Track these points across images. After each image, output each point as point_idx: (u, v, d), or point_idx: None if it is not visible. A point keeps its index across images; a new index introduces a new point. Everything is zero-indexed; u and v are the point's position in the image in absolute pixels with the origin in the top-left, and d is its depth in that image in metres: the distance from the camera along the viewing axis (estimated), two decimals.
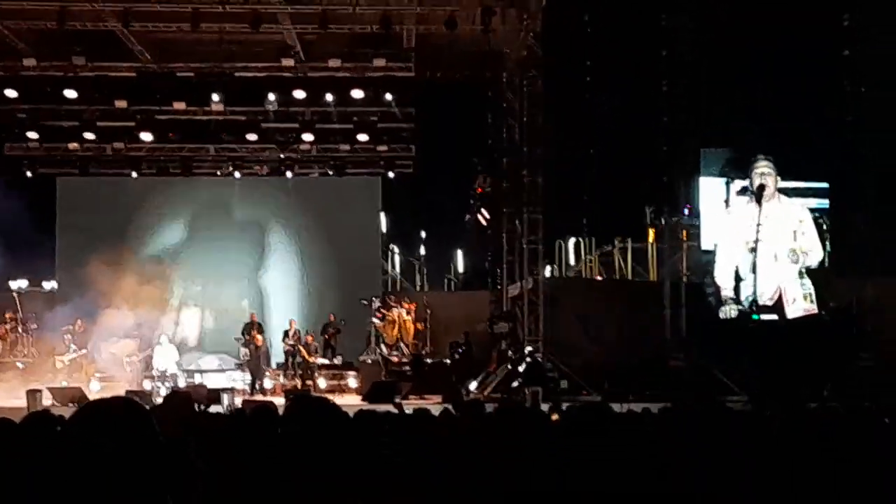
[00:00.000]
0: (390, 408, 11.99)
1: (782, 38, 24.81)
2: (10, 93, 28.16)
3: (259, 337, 26.94)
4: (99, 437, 3.29)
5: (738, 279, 19.91)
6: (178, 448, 4.11)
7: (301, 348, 26.73)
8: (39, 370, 26.40)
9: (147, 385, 25.10)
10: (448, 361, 26.33)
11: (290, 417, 4.01)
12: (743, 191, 23.31)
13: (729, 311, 19.90)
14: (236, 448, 6.34)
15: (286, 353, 27.20)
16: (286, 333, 27.43)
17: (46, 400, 22.11)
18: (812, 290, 23.51)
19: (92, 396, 23.56)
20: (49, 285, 31.02)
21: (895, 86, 24.66)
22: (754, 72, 25.19)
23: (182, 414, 7.25)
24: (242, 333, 27.44)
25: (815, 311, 23.46)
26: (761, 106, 25.08)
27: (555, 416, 9.31)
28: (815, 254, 20.28)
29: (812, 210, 23.85)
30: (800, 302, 20.46)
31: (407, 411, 11.53)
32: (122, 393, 23.40)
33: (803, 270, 21.48)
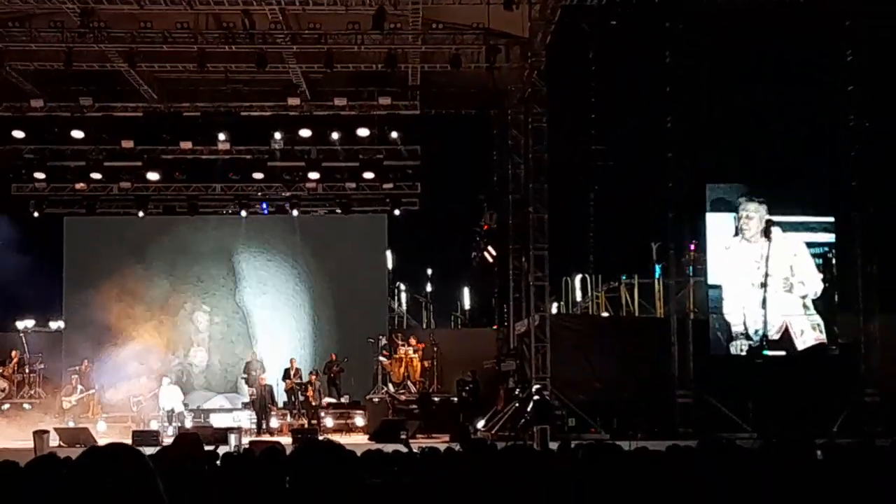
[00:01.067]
0: (399, 446, 11.96)
1: (788, 74, 24.92)
2: (18, 133, 28.36)
3: (263, 376, 26.91)
4: (101, 484, 3.31)
5: (745, 314, 19.97)
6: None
7: (308, 386, 26.67)
8: (46, 411, 26.39)
9: (154, 425, 25.05)
10: (455, 399, 26.26)
11: (298, 463, 4.01)
12: (742, 228, 23.47)
13: (739, 347, 19.91)
14: (246, 489, 6.33)
15: (287, 392, 27.15)
16: (286, 373, 27.39)
17: (53, 441, 22.06)
18: (821, 321, 23.59)
19: (99, 437, 23.55)
20: (55, 325, 31.04)
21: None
22: (760, 107, 25.26)
23: (192, 455, 7.26)
24: (245, 372, 27.46)
25: (825, 340, 23.53)
26: (766, 141, 25.15)
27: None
28: (811, 284, 20.32)
29: (818, 244, 24.04)
30: (808, 333, 20.52)
31: (415, 450, 11.50)
32: (129, 433, 23.41)
33: (808, 303, 21.53)
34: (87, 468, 3.38)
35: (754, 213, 23.07)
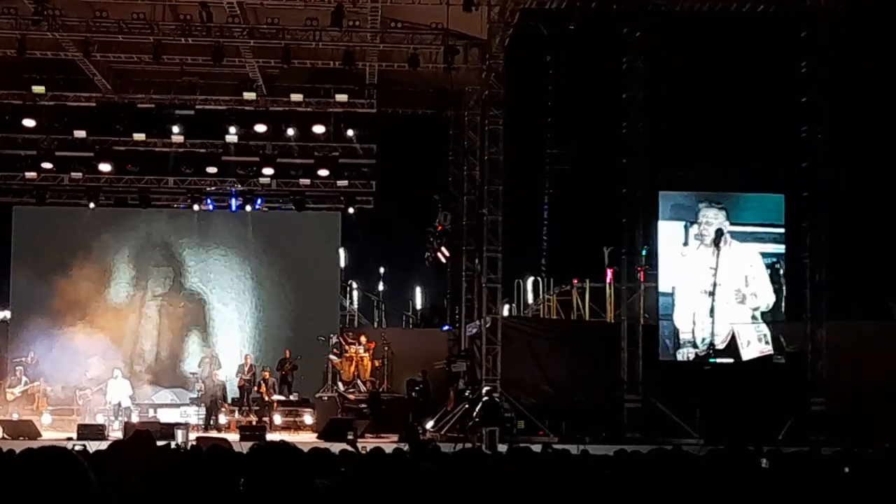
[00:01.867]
0: (346, 446, 11.92)
1: (744, 81, 25.14)
2: None
3: (217, 372, 26.72)
4: (36, 490, 3.28)
5: (694, 322, 20.10)
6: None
7: (262, 383, 26.53)
8: None
9: (100, 418, 24.79)
10: (405, 399, 26.23)
11: (252, 463, 3.97)
12: (697, 236, 23.64)
13: (686, 354, 20.04)
14: (194, 488, 6.26)
15: (240, 388, 26.97)
16: (241, 368, 27.23)
17: None
18: (767, 332, 23.82)
19: (43, 430, 23.29)
20: (1, 315, 30.65)
21: (851, 133, 25.05)
22: (713, 116, 25.46)
23: (144, 452, 7.17)
24: (199, 366, 27.25)
25: (771, 351, 23.77)
26: (719, 150, 25.34)
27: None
28: (763, 297, 20.55)
29: (768, 255, 24.27)
30: (755, 344, 20.72)
31: (360, 451, 11.46)
32: (74, 426, 23.17)
33: (756, 314, 21.76)
34: (26, 472, 3.33)
35: (713, 219, 23.28)
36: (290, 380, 27.37)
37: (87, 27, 24.50)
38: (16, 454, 3.44)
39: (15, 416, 24.29)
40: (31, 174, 29.65)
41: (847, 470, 7.02)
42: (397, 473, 7.23)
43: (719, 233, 22.30)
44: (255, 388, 26.60)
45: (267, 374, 26.90)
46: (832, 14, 23.83)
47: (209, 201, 31.33)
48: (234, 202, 31.27)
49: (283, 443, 6.75)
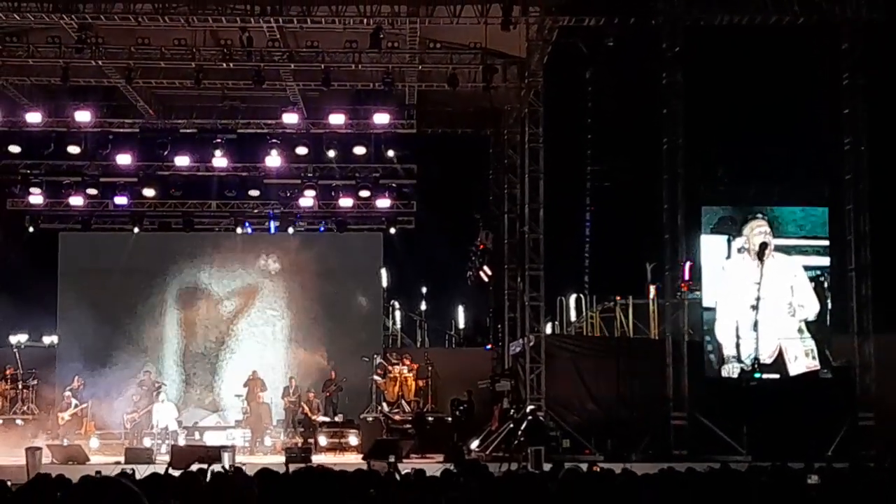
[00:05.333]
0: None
1: (783, 95, 24.98)
2: (14, 148, 28.27)
3: (260, 395, 26.85)
4: None
5: (738, 337, 19.92)
6: None
7: (304, 405, 26.63)
8: (40, 427, 26.31)
9: (147, 442, 24.97)
10: (450, 419, 26.19)
11: (294, 487, 4.00)
12: (740, 249, 23.47)
13: (731, 370, 19.88)
14: None
15: (286, 410, 27.09)
16: (286, 390, 27.34)
17: (46, 458, 21.98)
18: (814, 347, 23.57)
19: (91, 454, 23.47)
20: (49, 340, 30.96)
21: (894, 144, 24.82)
22: (754, 129, 25.33)
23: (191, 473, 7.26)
24: (244, 386, 27.39)
25: (818, 367, 23.53)
26: (761, 163, 25.19)
27: (596, 468, 9.34)
28: (810, 307, 20.35)
29: (813, 268, 24.05)
30: (801, 359, 20.51)
31: (407, 471, 11.48)
32: (122, 450, 23.33)
33: (803, 327, 21.53)
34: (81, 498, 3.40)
35: (759, 232, 23.11)
36: (334, 401, 27.45)
37: (130, 54, 24.78)
38: (73, 483, 3.51)
39: (65, 442, 24.49)
40: (76, 200, 29.98)
41: None
42: (432, 496, 7.24)
43: (763, 246, 22.09)
44: (300, 410, 26.70)
45: (312, 395, 27.00)
46: (872, 26, 23.64)
47: (247, 224, 31.53)
48: (272, 224, 31.43)
49: (320, 467, 6.77)
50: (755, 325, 22.31)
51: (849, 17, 23.84)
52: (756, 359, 22.59)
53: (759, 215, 23.63)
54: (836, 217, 24.16)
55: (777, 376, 23.08)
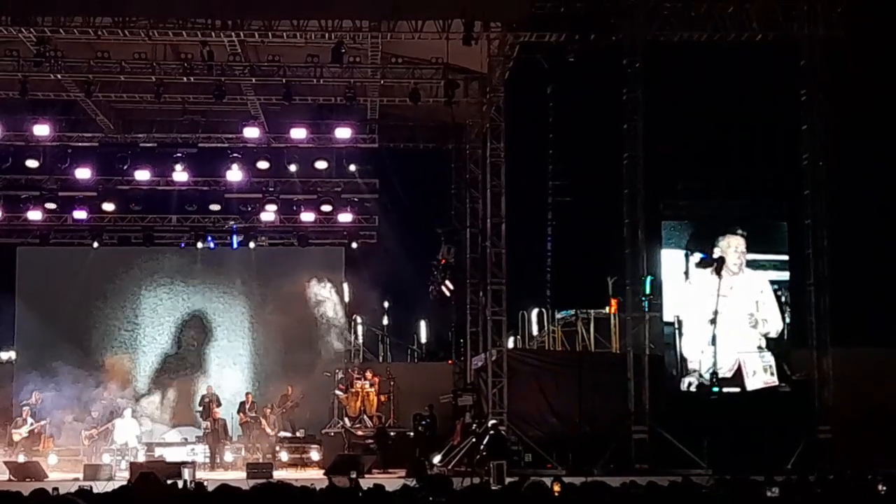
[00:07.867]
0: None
1: (742, 111, 25.22)
2: None
3: (217, 410, 26.65)
4: None
5: (701, 351, 20.04)
6: None
7: (262, 420, 26.47)
8: None
9: (106, 458, 24.72)
10: (412, 434, 26.13)
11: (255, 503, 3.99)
12: (703, 263, 23.62)
13: (690, 383, 19.98)
14: None
15: (243, 425, 26.89)
16: (242, 406, 27.16)
17: (2, 475, 21.74)
18: (773, 363, 23.76)
19: (50, 470, 23.22)
20: (6, 355, 30.65)
21: (854, 158, 25.12)
22: (714, 145, 25.52)
23: (155, 493, 7.23)
24: (200, 405, 27.21)
25: (775, 382, 23.72)
26: (720, 179, 25.38)
27: (557, 487, 9.33)
28: (773, 323, 20.52)
29: (773, 282, 24.24)
30: (760, 374, 20.69)
31: (369, 486, 11.44)
32: (80, 467, 23.09)
33: (762, 343, 21.73)
34: None
35: (732, 245, 23.34)
36: (291, 417, 27.33)
37: (89, 68, 24.64)
38: (24, 496, 3.46)
39: (21, 458, 24.21)
40: (34, 215, 29.71)
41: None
42: None
43: (721, 261, 22.28)
44: (258, 426, 26.54)
45: (268, 410, 26.86)
46: (830, 42, 23.94)
47: (209, 239, 31.38)
48: (234, 239, 31.31)
49: (281, 483, 6.75)
50: (713, 339, 22.46)
51: (807, 34, 24.13)
52: (715, 373, 22.75)
53: (739, 231, 23.87)
54: (796, 232, 24.38)
55: (737, 390, 23.24)
